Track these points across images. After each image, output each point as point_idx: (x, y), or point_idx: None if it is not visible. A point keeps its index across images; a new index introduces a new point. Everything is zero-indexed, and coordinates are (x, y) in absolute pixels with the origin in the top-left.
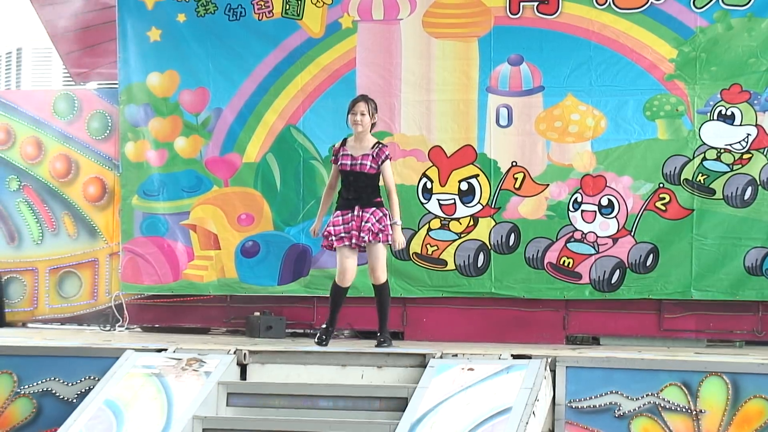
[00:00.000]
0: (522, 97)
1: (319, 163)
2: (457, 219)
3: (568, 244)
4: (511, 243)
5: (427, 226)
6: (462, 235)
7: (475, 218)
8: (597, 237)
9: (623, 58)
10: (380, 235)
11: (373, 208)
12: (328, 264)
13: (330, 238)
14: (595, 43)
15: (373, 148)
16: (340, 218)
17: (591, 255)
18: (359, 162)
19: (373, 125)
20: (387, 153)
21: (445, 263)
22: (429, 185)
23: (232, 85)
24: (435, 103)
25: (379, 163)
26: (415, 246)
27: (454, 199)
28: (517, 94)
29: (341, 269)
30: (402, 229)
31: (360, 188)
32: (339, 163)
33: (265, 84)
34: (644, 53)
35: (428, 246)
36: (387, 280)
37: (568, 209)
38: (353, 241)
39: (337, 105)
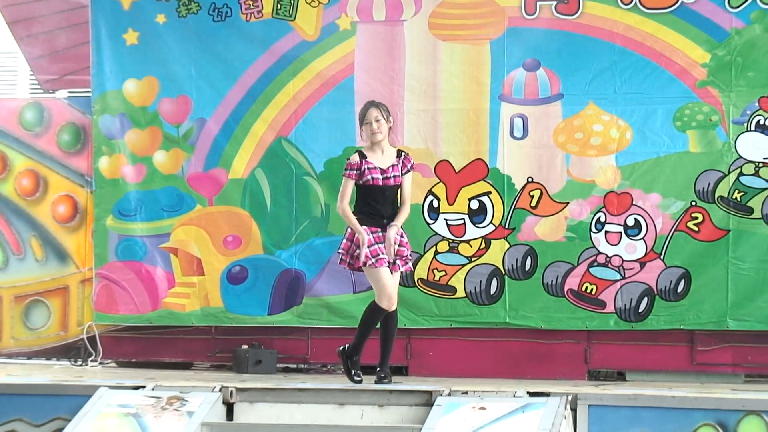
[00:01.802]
0: (538, 105)
1: (313, 179)
2: (467, 241)
3: (590, 269)
4: (527, 268)
5: (433, 249)
6: (473, 259)
7: (487, 240)
8: (622, 261)
9: (651, 62)
10: (408, 264)
11: (401, 230)
12: (323, 291)
13: (369, 260)
14: (619, 47)
15: (398, 157)
16: (372, 236)
17: (616, 281)
18: (392, 175)
19: (389, 130)
20: (412, 162)
21: (454, 290)
22: (436, 204)
23: (216, 94)
24: (442, 112)
25: (404, 172)
26: (421, 271)
27: (464, 219)
28: (533, 103)
29: (389, 291)
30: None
31: (390, 203)
32: (365, 178)
33: (253, 92)
34: (674, 57)
35: (435, 271)
36: (397, 309)
37: (591, 230)
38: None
39: (333, 115)
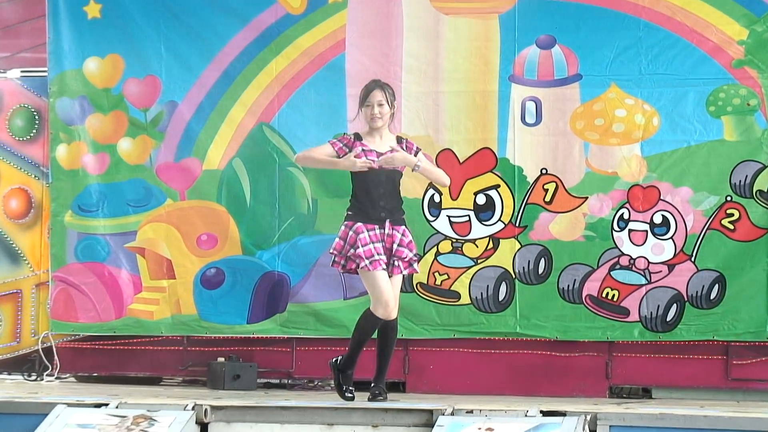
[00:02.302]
0: (554, 88)
1: (298, 170)
2: (473, 241)
3: (612, 273)
4: (540, 271)
5: (434, 249)
6: (479, 261)
7: (495, 240)
8: (648, 263)
9: (681, 39)
10: (413, 266)
11: (403, 227)
12: (309, 297)
13: (362, 262)
14: (645, 21)
15: (399, 142)
16: (366, 234)
17: (641, 286)
18: None
19: (391, 117)
20: (417, 146)
21: (458, 296)
22: (437, 198)
23: (189, 74)
24: (444, 95)
25: (412, 154)
26: (420, 275)
27: (469, 216)
28: (547, 85)
29: (386, 297)
30: None
31: (389, 194)
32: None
33: (231, 71)
34: (707, 34)
35: (436, 274)
36: (397, 318)
37: (612, 228)
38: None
39: (321, 98)
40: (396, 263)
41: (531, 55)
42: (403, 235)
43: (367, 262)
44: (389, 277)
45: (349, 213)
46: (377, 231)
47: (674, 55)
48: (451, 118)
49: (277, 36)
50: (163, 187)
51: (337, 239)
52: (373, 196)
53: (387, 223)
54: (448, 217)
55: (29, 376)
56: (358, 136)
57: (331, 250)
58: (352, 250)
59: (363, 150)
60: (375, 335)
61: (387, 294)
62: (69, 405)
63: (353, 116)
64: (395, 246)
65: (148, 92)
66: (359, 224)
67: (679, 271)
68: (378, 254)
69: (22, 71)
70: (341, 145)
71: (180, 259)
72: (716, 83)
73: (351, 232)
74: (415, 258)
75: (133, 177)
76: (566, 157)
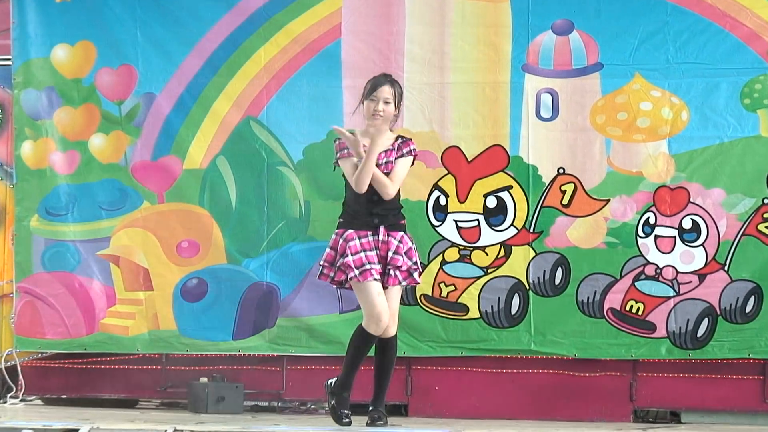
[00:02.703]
0: (572, 78)
1: (289, 170)
2: (482, 248)
3: (636, 283)
4: (557, 281)
5: (440, 257)
6: (489, 271)
7: (506, 247)
8: (677, 273)
9: (712, 24)
10: (413, 276)
11: (401, 233)
12: (302, 310)
13: (351, 272)
14: (673, 5)
15: (396, 140)
16: (357, 242)
17: (668, 298)
18: (384, 161)
19: (394, 118)
20: (413, 147)
21: (466, 309)
22: (443, 201)
23: (168, 62)
24: (451, 86)
25: (396, 156)
26: (424, 286)
27: (478, 221)
28: (565, 75)
29: (378, 311)
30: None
31: (383, 201)
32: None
33: (214, 60)
34: (741, 18)
35: (442, 285)
36: (396, 334)
37: (637, 234)
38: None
39: (314, 90)
40: (392, 273)
41: (546, 41)
42: (400, 241)
43: (356, 272)
44: (384, 288)
45: (341, 220)
46: (370, 238)
47: (705, 42)
48: (458, 112)
49: (265, 21)
50: (139, 188)
51: (327, 249)
52: (365, 200)
53: (381, 230)
54: (455, 221)
55: None
56: (353, 135)
57: (321, 261)
58: (341, 260)
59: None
60: (373, 353)
61: (379, 307)
62: (35, 430)
63: (351, 109)
64: (390, 254)
65: (122, 83)
66: (350, 231)
67: (710, 281)
68: (369, 263)
69: None
70: (346, 151)
71: (158, 268)
72: (751, 73)
73: (341, 240)
74: (415, 267)
75: (106, 177)
76: (586, 155)
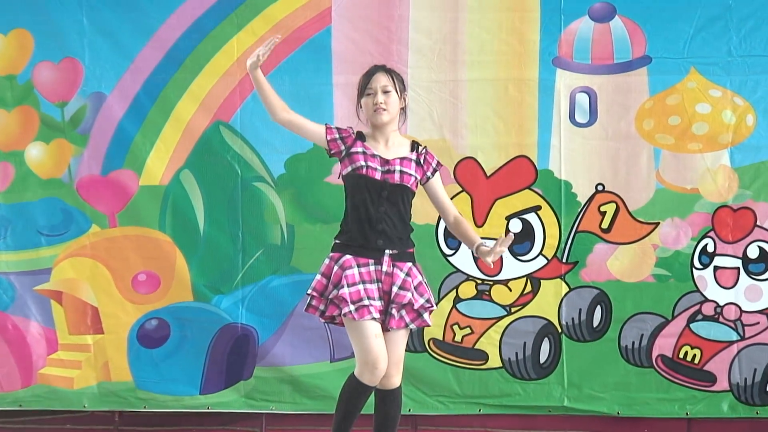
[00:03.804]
0: (613, 75)
1: (268, 186)
2: (505, 282)
3: (692, 325)
4: (596, 323)
5: (453, 293)
6: (513, 310)
7: (534, 281)
8: (741, 312)
9: None
10: (423, 317)
11: (409, 265)
12: (285, 358)
13: (346, 306)
14: None
15: (414, 150)
16: (356, 271)
17: (731, 343)
18: (398, 170)
19: (402, 113)
20: (437, 159)
21: (485, 357)
22: None
23: (121, 55)
24: (466, 85)
25: (430, 173)
26: (434, 328)
27: None
28: (605, 71)
29: (374, 357)
30: None
31: (392, 217)
32: (355, 164)
33: (176, 52)
34: None
35: (456, 328)
36: (401, 386)
37: (692, 265)
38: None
39: (298, 88)
40: (397, 313)
41: (582, 30)
42: (407, 274)
43: (351, 307)
44: (386, 330)
45: (337, 242)
46: (371, 268)
47: None
48: (474, 116)
49: (239, 4)
50: (86, 209)
51: (318, 276)
52: (371, 216)
53: (386, 259)
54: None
55: None
56: (361, 136)
57: (309, 290)
58: (334, 291)
59: (364, 152)
60: (372, 409)
61: (375, 352)
62: None
63: (343, 111)
64: (395, 289)
65: (65, 80)
66: (348, 257)
67: None
68: (369, 298)
69: None
70: (337, 136)
71: (109, 306)
72: None
73: (336, 267)
74: (428, 305)
75: (46, 195)
76: (630, 168)
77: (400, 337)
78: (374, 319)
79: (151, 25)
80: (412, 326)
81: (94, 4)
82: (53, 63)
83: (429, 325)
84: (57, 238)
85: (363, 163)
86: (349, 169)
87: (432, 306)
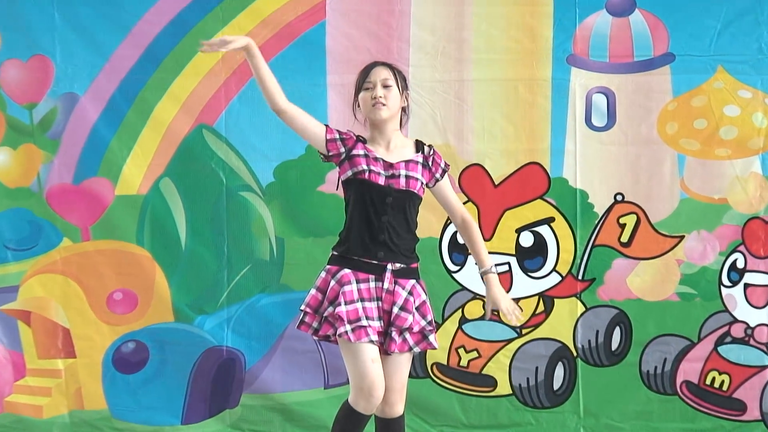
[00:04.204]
0: (633, 74)
1: (256, 196)
2: (515, 301)
3: (720, 348)
4: (614, 346)
5: (459, 313)
6: (524, 331)
7: (547, 299)
8: None
9: None
10: (428, 339)
11: (412, 282)
12: (274, 384)
13: (342, 326)
14: None
15: (420, 151)
16: (354, 287)
17: (763, 368)
18: (403, 173)
19: (403, 113)
20: (444, 161)
21: (493, 383)
22: (462, 239)
23: (96, 53)
24: (472, 85)
25: (439, 174)
26: (438, 352)
27: (509, 264)
28: (624, 70)
29: (369, 382)
30: None
31: (396, 227)
32: (356, 168)
33: (156, 50)
34: None
35: (461, 351)
36: (404, 415)
37: (720, 283)
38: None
39: (289, 88)
40: (398, 335)
41: (599, 25)
42: (410, 293)
43: (348, 327)
44: (386, 354)
45: (335, 253)
46: (372, 284)
47: None
48: (481, 120)
49: None
50: (57, 221)
51: (312, 291)
52: (372, 226)
53: (387, 275)
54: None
55: None
56: (362, 139)
57: (302, 306)
58: (330, 308)
59: (366, 155)
60: None
61: (371, 378)
62: None
63: (338, 114)
64: (396, 309)
65: (34, 80)
66: (346, 271)
67: None
68: (367, 318)
69: None
70: (337, 137)
71: (82, 328)
72: None
73: (333, 282)
74: (431, 328)
75: (12, 206)
76: (652, 176)
77: (403, 362)
78: (371, 341)
79: (128, 21)
80: (416, 349)
81: None
82: (21, 61)
83: (435, 348)
84: (25, 252)
85: (365, 167)
86: (350, 173)
87: (434, 328)
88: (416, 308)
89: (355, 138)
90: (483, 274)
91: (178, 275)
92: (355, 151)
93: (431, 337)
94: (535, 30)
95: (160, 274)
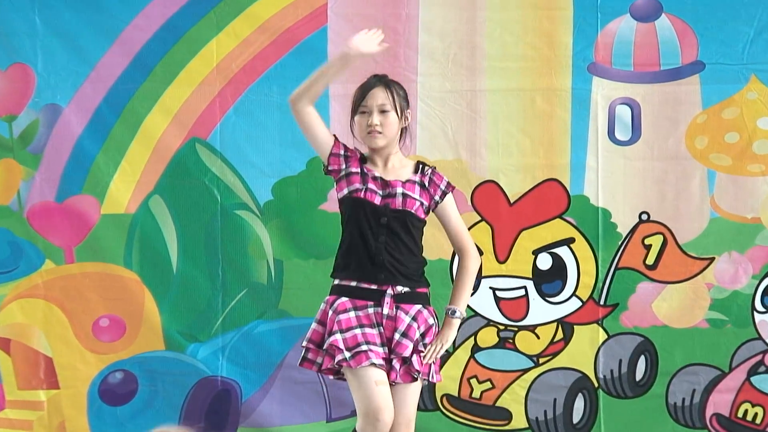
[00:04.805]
0: (660, 84)
1: (253, 215)
2: (532, 328)
3: (753, 379)
4: (638, 376)
5: (471, 341)
6: (541, 361)
7: (566, 326)
8: None
9: None
10: (433, 369)
11: (417, 307)
12: (272, 417)
13: (339, 354)
14: None
15: (418, 172)
16: (352, 314)
17: None
18: (400, 192)
19: (402, 133)
20: (447, 180)
21: (508, 416)
22: None
23: (80, 61)
24: (485, 95)
25: (438, 197)
26: (449, 382)
27: (526, 288)
28: (650, 79)
29: (374, 406)
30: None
31: (395, 249)
32: (351, 186)
33: (145, 57)
34: None
35: (474, 382)
36: None
37: (753, 308)
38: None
39: (288, 100)
40: (399, 364)
41: (622, 31)
42: (414, 318)
43: (346, 354)
44: (391, 384)
45: (335, 283)
46: (370, 310)
47: None
48: (495, 133)
49: (218, 2)
50: (38, 241)
51: (313, 324)
52: (369, 248)
53: (387, 299)
54: (493, 289)
55: None
56: (364, 159)
57: (304, 342)
58: (328, 339)
59: (363, 173)
60: None
61: (377, 401)
62: None
63: (341, 127)
64: (397, 336)
65: (14, 91)
66: (343, 300)
67: None
68: (367, 343)
69: None
70: (341, 152)
71: (66, 356)
72: None
73: (331, 312)
74: (438, 356)
75: None
76: (680, 194)
77: (411, 394)
78: (374, 364)
79: (115, 26)
80: (433, 381)
81: (49, 1)
82: (0, 70)
83: (436, 382)
84: (4, 276)
85: (360, 186)
86: (345, 192)
87: (438, 357)
88: (421, 334)
89: (358, 157)
90: (449, 312)
91: (169, 300)
92: (353, 169)
93: (432, 369)
94: (554, 36)
95: (149, 299)
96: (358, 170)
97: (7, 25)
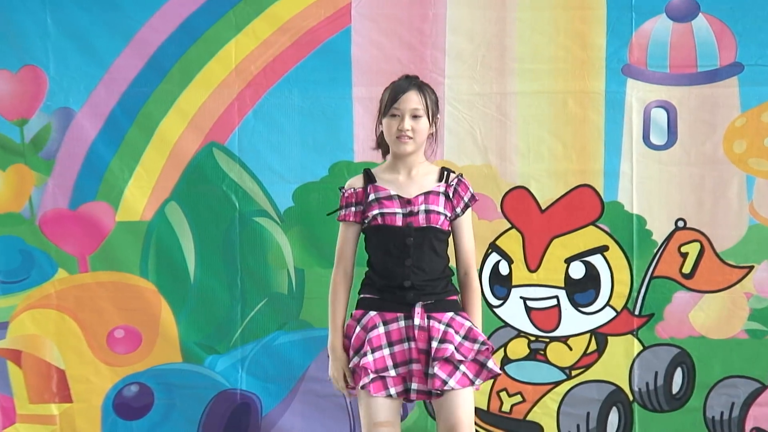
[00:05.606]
0: (697, 86)
1: (273, 222)
2: (564, 339)
3: None
4: (675, 389)
5: (501, 352)
6: (574, 373)
7: (600, 337)
8: None
9: None
10: (487, 365)
11: (450, 315)
12: (294, 431)
13: (364, 377)
14: None
15: (443, 180)
16: (382, 330)
17: None
18: (422, 209)
19: (432, 140)
20: (471, 191)
21: (539, 431)
22: (504, 269)
23: (94, 63)
24: (516, 98)
25: (459, 210)
26: (478, 396)
27: (558, 298)
28: (686, 82)
29: None
30: None
31: (424, 267)
32: (370, 215)
33: (160, 61)
34: None
35: (503, 395)
36: None
37: None
38: (410, 386)
39: (310, 103)
40: (442, 368)
41: (658, 31)
42: (449, 325)
43: (367, 379)
44: (435, 396)
45: (361, 295)
46: (401, 323)
47: None
48: (526, 137)
49: (237, 2)
50: (51, 250)
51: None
52: (395, 274)
53: (417, 310)
54: (523, 299)
55: None
56: (369, 176)
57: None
58: (356, 359)
59: (378, 199)
60: None
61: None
62: None
63: (364, 131)
64: (434, 343)
65: (25, 94)
66: (372, 314)
67: None
68: (392, 368)
69: None
70: (353, 209)
71: (80, 369)
72: None
73: (358, 328)
74: (485, 349)
75: (2, 234)
76: (717, 200)
77: (464, 399)
78: (389, 396)
79: (129, 27)
80: (478, 382)
81: (61, 2)
82: (10, 72)
83: (498, 374)
84: (15, 285)
85: (377, 212)
86: (365, 222)
87: (490, 346)
88: (464, 337)
89: (363, 186)
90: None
91: (186, 310)
92: (366, 200)
93: (490, 363)
94: (586, 37)
95: (166, 310)
96: (372, 197)
97: (18, 25)
